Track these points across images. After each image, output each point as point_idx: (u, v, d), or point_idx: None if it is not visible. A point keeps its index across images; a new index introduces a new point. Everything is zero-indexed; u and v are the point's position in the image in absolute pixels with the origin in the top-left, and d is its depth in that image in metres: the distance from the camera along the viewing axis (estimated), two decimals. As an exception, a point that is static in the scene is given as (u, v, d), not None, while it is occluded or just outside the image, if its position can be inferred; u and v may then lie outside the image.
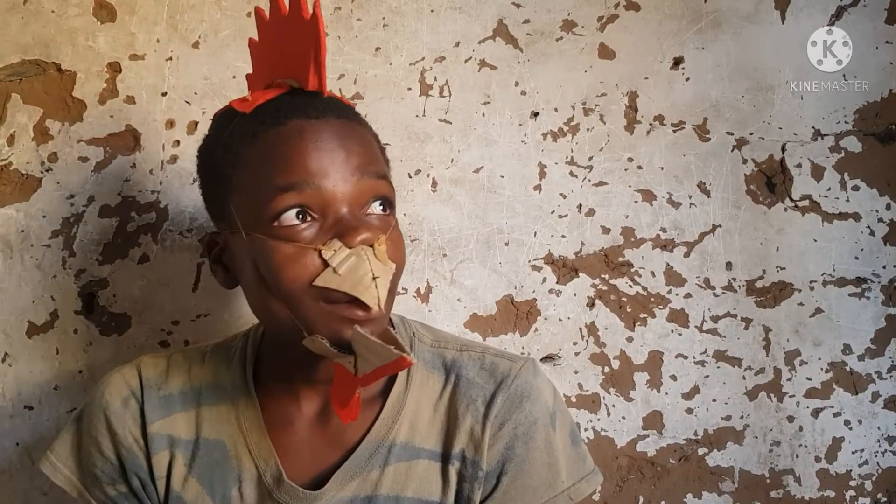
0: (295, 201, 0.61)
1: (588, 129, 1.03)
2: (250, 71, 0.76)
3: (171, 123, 1.00)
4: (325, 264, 0.60)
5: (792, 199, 1.03)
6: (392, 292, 0.64)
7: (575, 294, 1.03)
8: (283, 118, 0.63)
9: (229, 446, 0.71)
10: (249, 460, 0.70)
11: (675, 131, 1.03)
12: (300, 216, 0.61)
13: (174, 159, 1.00)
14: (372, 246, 0.61)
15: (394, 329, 0.74)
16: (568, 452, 0.74)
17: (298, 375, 0.71)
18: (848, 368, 1.03)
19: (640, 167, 1.03)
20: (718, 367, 1.03)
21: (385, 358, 0.58)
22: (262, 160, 0.63)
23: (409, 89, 1.02)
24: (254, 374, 0.74)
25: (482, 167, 1.02)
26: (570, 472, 0.73)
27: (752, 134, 1.03)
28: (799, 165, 1.03)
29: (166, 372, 0.74)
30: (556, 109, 1.02)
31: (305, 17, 0.62)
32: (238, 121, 0.66)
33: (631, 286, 1.03)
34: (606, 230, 1.03)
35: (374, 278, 0.60)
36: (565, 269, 1.03)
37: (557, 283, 1.03)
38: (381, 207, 0.65)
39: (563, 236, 1.03)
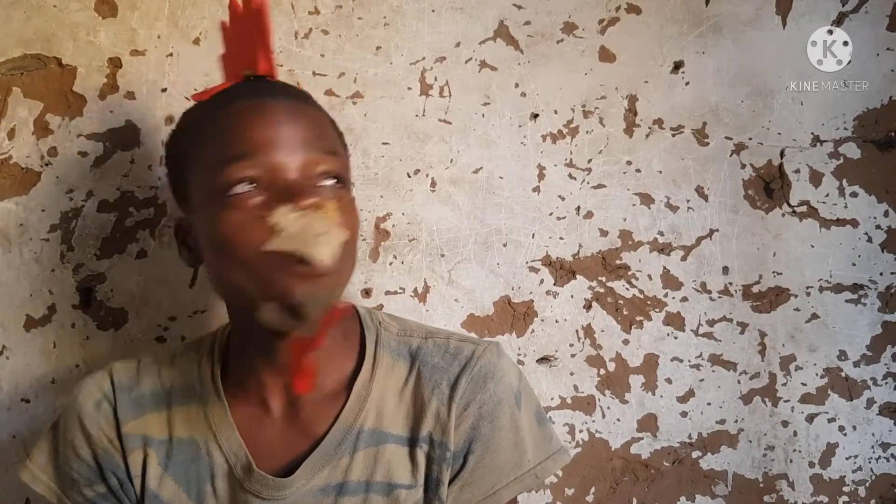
0: (243, 172, 0.63)
1: (587, 132, 1.03)
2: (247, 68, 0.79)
3: (170, 119, 1.00)
4: (273, 230, 0.61)
5: (790, 205, 1.03)
6: (348, 262, 0.66)
7: (572, 296, 1.03)
8: (233, 99, 0.67)
9: (200, 444, 0.73)
10: (220, 455, 0.72)
11: (674, 135, 1.03)
12: (253, 185, 0.63)
13: (173, 155, 1.00)
14: (321, 210, 0.62)
15: (360, 320, 0.77)
16: (534, 432, 0.75)
17: (262, 364, 0.72)
18: (843, 374, 1.03)
19: (638, 170, 1.03)
20: (713, 371, 1.03)
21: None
22: (213, 137, 0.66)
23: (410, 89, 1.02)
24: (222, 371, 0.76)
25: (481, 168, 1.03)
26: (536, 451, 0.74)
27: (750, 139, 1.03)
28: (797, 171, 1.03)
29: (137, 375, 0.76)
30: (555, 111, 1.03)
31: (255, 6, 0.69)
32: (193, 109, 0.72)
33: (628, 289, 1.03)
34: (604, 233, 1.03)
35: (317, 235, 0.61)
36: (563, 271, 1.03)
37: (555, 284, 1.03)
38: (334, 182, 0.66)
39: (561, 238, 1.03)
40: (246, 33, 0.72)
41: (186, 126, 0.72)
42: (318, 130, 0.68)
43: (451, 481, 0.72)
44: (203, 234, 0.67)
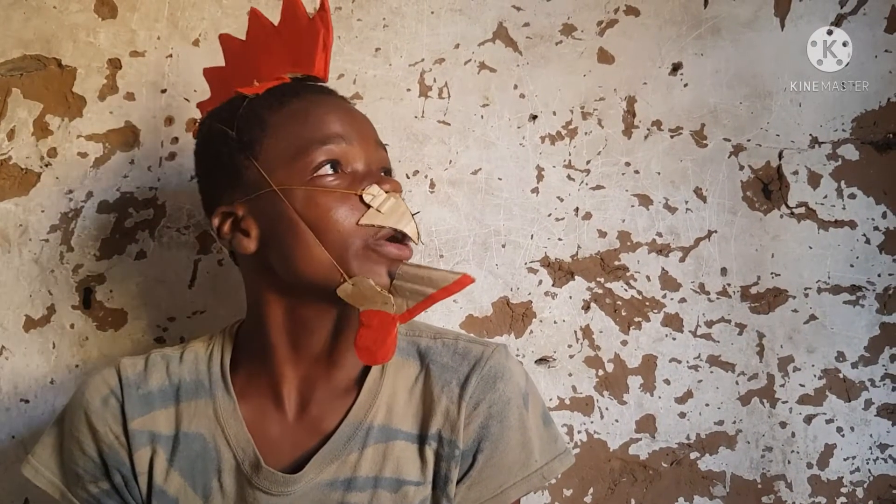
0: (330, 155, 0.69)
1: (586, 133, 1.03)
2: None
3: (170, 120, 1.01)
4: (367, 206, 0.68)
5: (788, 206, 1.03)
6: None
7: (570, 297, 1.03)
8: (303, 92, 0.72)
9: (208, 439, 0.73)
10: (228, 451, 0.72)
11: (672, 136, 1.03)
12: (333, 169, 0.69)
13: (172, 156, 1.01)
14: (400, 194, 0.71)
15: None
16: (540, 432, 0.76)
17: (285, 358, 0.73)
18: (841, 376, 1.03)
19: (637, 172, 1.03)
20: (712, 372, 1.03)
21: (443, 281, 0.67)
22: (295, 121, 0.70)
23: (409, 90, 1.02)
24: (231, 368, 0.76)
25: (480, 169, 1.03)
26: (542, 452, 0.75)
27: (749, 140, 1.03)
28: (796, 172, 1.03)
29: (144, 371, 0.76)
30: (554, 113, 1.03)
31: (305, 18, 0.74)
32: (253, 100, 0.72)
33: (626, 290, 1.03)
34: (603, 234, 1.03)
35: (404, 213, 0.69)
36: (561, 272, 1.03)
37: (553, 285, 1.03)
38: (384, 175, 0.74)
39: (560, 239, 1.03)
40: (291, 37, 0.75)
41: (247, 112, 0.71)
42: (374, 129, 0.75)
43: (459, 480, 0.73)
44: (280, 214, 0.68)
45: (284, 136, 0.70)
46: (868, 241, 1.03)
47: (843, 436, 1.03)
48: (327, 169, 0.69)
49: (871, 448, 1.04)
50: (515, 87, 1.03)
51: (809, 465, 1.03)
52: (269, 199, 0.69)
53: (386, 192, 0.69)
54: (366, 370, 0.75)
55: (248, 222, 0.71)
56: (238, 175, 0.71)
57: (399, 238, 0.70)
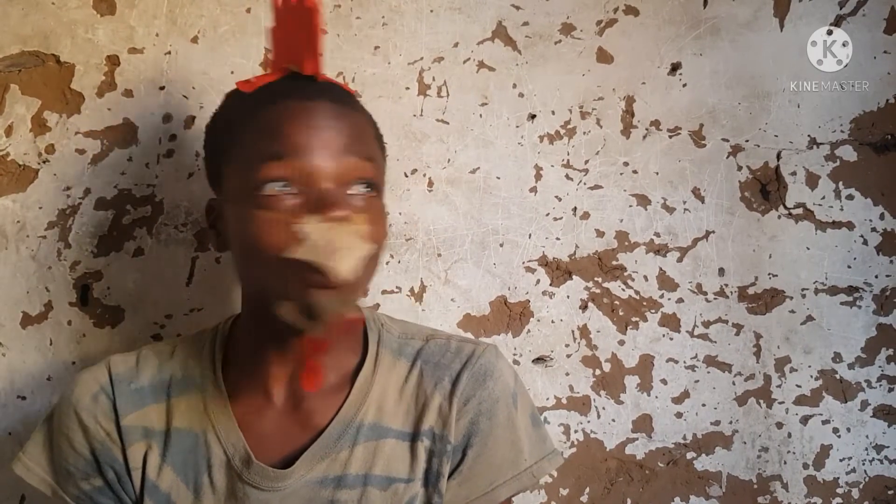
0: (279, 172, 0.64)
1: (584, 133, 1.03)
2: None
3: (168, 118, 1.00)
4: (297, 238, 0.62)
5: (786, 207, 1.03)
6: (367, 272, 0.67)
7: (568, 296, 1.03)
8: (278, 98, 0.67)
9: (199, 435, 0.73)
10: (218, 447, 0.72)
11: (671, 137, 1.03)
12: (283, 187, 0.64)
13: (170, 153, 1.00)
14: (349, 223, 0.64)
15: (363, 321, 0.79)
16: (530, 432, 0.77)
17: (272, 354, 0.73)
18: (838, 376, 1.03)
19: (635, 171, 1.03)
20: (709, 373, 1.03)
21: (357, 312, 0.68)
22: (252, 133, 0.67)
23: (408, 89, 1.02)
24: (223, 364, 0.76)
25: (478, 168, 1.03)
26: (532, 451, 0.76)
27: (747, 141, 1.03)
28: (794, 173, 1.03)
29: (136, 367, 0.76)
30: (553, 112, 1.03)
31: (306, 3, 0.67)
32: (240, 99, 0.71)
33: (624, 290, 1.03)
34: (601, 233, 1.03)
35: (339, 248, 0.62)
36: (559, 272, 1.03)
37: (551, 285, 1.03)
38: (367, 189, 0.67)
39: (558, 239, 1.03)
40: (294, 28, 0.69)
41: (226, 116, 0.73)
42: (357, 135, 0.68)
43: (449, 476, 0.73)
44: (231, 225, 0.69)
45: (244, 148, 0.67)
46: (865, 243, 1.03)
47: (839, 437, 1.04)
48: (277, 187, 0.64)
49: (867, 449, 1.04)
50: (514, 86, 1.03)
51: (805, 466, 1.04)
52: (229, 209, 0.69)
53: (328, 223, 0.62)
54: (357, 368, 0.76)
55: (220, 223, 0.73)
56: (216, 175, 0.73)
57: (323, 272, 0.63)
